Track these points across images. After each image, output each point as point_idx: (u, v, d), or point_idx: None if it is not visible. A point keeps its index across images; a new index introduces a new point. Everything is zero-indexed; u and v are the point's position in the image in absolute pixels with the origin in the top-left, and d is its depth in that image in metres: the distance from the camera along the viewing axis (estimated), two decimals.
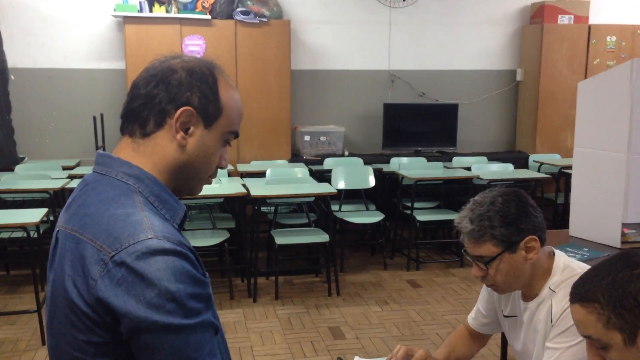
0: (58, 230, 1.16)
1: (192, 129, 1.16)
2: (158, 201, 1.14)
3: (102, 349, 1.06)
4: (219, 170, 1.25)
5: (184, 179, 1.19)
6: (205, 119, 1.16)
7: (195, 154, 1.17)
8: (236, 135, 1.24)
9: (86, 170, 5.47)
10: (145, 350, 1.03)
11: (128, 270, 1.01)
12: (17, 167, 5.48)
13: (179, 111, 1.14)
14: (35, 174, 5.14)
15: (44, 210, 4.15)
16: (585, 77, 6.23)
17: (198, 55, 5.68)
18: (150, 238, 1.04)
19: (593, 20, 6.62)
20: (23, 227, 3.96)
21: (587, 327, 1.23)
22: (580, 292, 1.24)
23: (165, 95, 1.14)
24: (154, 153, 1.15)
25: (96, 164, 1.18)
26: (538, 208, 1.72)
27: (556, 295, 1.71)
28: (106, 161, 1.16)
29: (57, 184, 4.79)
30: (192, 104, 1.15)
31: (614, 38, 6.53)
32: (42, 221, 4.04)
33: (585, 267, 1.76)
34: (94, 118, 5.39)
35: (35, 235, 4.10)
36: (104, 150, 5.68)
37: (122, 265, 1.02)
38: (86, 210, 1.11)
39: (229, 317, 4.34)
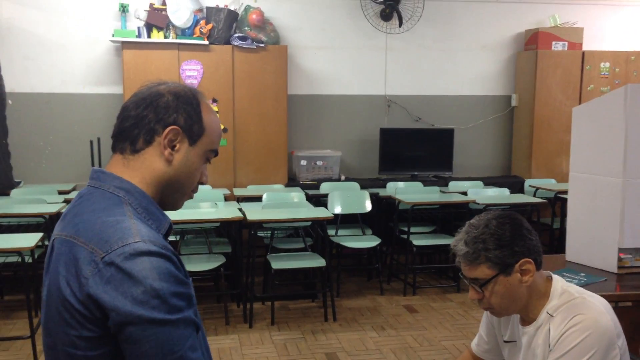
0: (54, 239, 1.25)
1: (178, 146, 1.28)
2: (145, 213, 1.25)
3: (92, 343, 1.15)
4: (208, 189, 1.33)
5: (169, 192, 1.30)
6: (190, 137, 1.29)
7: (181, 168, 1.29)
8: (216, 153, 1.35)
9: None
10: (131, 342, 1.12)
11: (117, 269, 1.12)
12: (13, 192, 5.46)
13: (167, 130, 1.26)
14: (30, 198, 5.13)
15: (39, 235, 4.13)
16: (580, 103, 6.28)
17: (195, 81, 5.74)
18: (138, 241, 1.14)
19: (587, 46, 6.69)
20: (18, 251, 3.93)
21: None
22: None
23: (154, 116, 1.26)
24: (143, 167, 1.27)
25: (90, 178, 1.29)
26: (533, 231, 1.73)
27: (554, 319, 1.70)
28: (100, 176, 1.27)
29: (52, 209, 4.77)
30: (179, 124, 1.27)
31: (607, 64, 6.60)
32: (37, 246, 4.01)
33: (583, 292, 1.76)
34: (91, 142, 5.40)
35: (30, 260, 4.08)
36: None
37: (112, 265, 1.12)
38: (80, 218, 1.22)
39: (225, 343, 4.30)
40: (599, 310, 1.68)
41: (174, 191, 1.30)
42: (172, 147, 1.27)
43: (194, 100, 1.29)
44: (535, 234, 1.73)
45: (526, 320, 1.79)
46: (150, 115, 1.26)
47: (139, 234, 1.16)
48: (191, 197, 1.36)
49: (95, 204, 1.22)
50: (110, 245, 1.13)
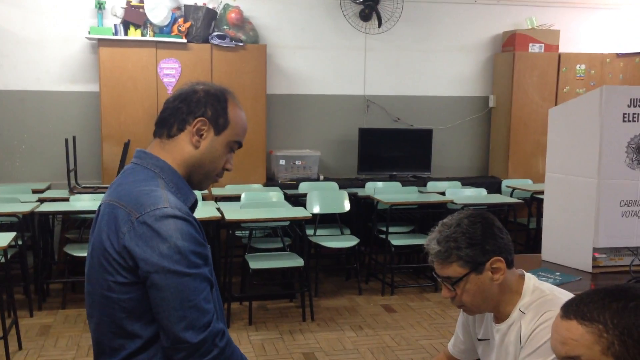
0: (101, 204, 1.52)
1: (205, 134, 1.54)
2: (175, 187, 1.51)
3: (125, 288, 1.41)
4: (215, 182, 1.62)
5: (195, 172, 1.55)
6: (216, 128, 1.54)
7: (205, 153, 1.54)
8: (240, 145, 1.61)
9: (57, 194, 5.38)
10: (155, 288, 1.38)
11: (148, 228, 1.38)
12: None
13: (196, 120, 1.52)
14: (3, 197, 5.03)
15: (12, 235, 4.05)
16: (556, 104, 6.35)
17: (173, 79, 5.66)
18: (166, 207, 1.40)
19: (563, 49, 6.78)
20: None
21: (578, 347, 1.13)
22: (583, 310, 1.14)
23: (186, 109, 1.53)
24: (176, 150, 1.53)
25: (135, 157, 1.56)
26: (504, 229, 1.75)
27: (525, 316, 1.72)
28: (142, 155, 1.55)
29: (26, 208, 4.69)
30: (206, 116, 1.53)
31: (583, 66, 6.69)
32: (9, 245, 3.94)
33: (554, 289, 1.78)
34: (66, 140, 5.32)
35: (3, 260, 4.01)
36: (75, 173, 5.57)
37: (144, 224, 1.39)
38: (122, 187, 1.49)
39: None
40: None
41: (199, 172, 1.55)
42: (200, 135, 1.52)
43: (222, 97, 1.55)
44: (506, 232, 1.74)
45: (499, 318, 1.80)
46: (184, 107, 1.52)
47: (168, 201, 1.42)
48: (216, 181, 1.61)
49: (135, 176, 1.50)
50: (144, 209, 1.40)
